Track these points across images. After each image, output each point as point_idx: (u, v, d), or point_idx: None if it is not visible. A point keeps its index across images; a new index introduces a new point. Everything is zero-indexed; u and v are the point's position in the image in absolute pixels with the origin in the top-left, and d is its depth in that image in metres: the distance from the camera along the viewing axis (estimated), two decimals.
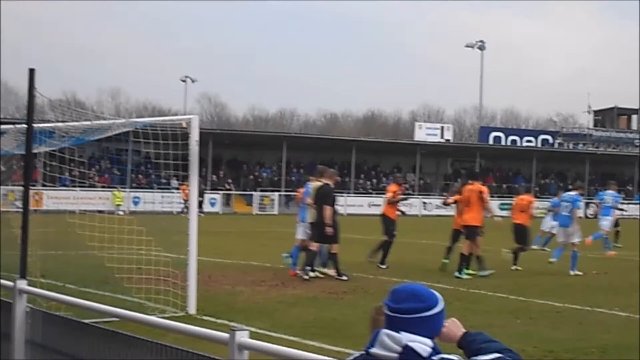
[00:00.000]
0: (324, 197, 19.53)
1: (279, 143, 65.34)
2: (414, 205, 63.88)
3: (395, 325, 3.75)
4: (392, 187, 23.67)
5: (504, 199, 70.12)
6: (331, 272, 19.70)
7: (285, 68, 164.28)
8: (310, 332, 12.07)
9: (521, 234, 22.55)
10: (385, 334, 3.73)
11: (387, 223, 23.11)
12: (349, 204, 62.66)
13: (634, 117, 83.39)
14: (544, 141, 78.40)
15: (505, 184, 74.62)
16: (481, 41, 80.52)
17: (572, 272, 21.60)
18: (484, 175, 72.96)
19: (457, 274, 20.26)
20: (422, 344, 3.65)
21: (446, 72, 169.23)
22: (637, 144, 79.78)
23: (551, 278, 20.56)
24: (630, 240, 31.24)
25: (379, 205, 63.15)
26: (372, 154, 71.38)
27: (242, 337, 5.02)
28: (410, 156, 69.77)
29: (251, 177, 66.25)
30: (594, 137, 78.94)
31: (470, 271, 20.69)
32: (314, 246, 19.58)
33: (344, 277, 19.13)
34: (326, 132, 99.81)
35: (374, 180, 70.14)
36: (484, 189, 21.37)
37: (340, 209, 60.42)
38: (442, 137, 73.63)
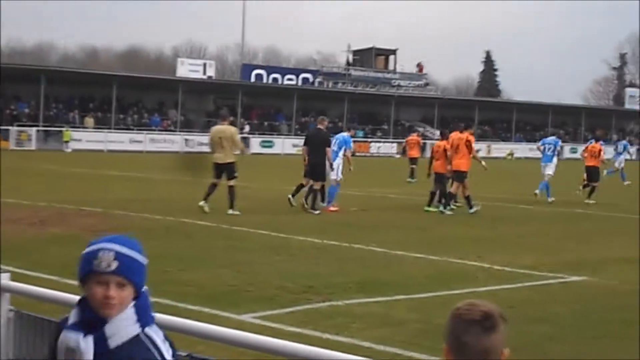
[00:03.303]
0: (324, 141, 22.35)
1: (37, 77, 63.18)
2: (175, 142, 63.59)
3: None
4: (598, 145, 28.47)
5: (265, 137, 70.97)
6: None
7: None
8: (70, 272, 11.76)
9: None
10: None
11: (595, 171, 28.08)
12: (109, 140, 61.63)
13: (392, 58, 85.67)
14: (305, 80, 79.48)
15: (266, 122, 75.38)
16: None
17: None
18: (248, 112, 73.70)
19: (442, 208, 22.56)
20: None
21: (209, 8, 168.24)
22: (394, 84, 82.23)
23: (311, 215, 21.00)
24: (387, 177, 32.23)
25: (140, 141, 62.84)
26: (134, 89, 70.19)
27: (4, 279, 4.85)
28: (172, 92, 69.15)
29: (7, 111, 63.85)
30: (352, 76, 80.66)
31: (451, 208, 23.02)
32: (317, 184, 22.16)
33: (316, 212, 21.41)
34: (86, 67, 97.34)
35: (136, 117, 69.15)
36: (472, 137, 23.55)
37: (101, 146, 59.66)
38: (204, 73, 73.23)
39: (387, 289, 11.46)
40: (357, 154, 71.60)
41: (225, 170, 20.92)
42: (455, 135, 23.70)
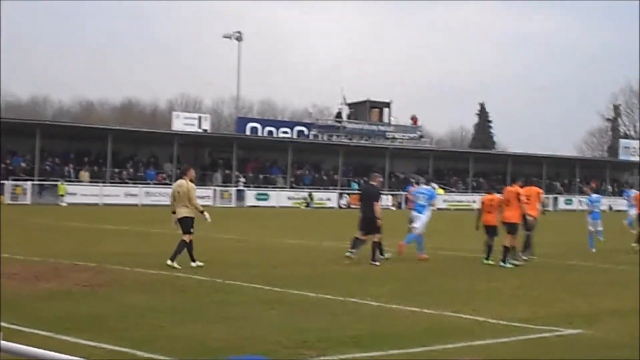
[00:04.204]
0: (374, 196, 23.58)
1: (32, 131, 63.31)
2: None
3: None
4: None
5: (261, 189, 71.03)
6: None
7: (37, 53, 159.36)
8: (64, 327, 11.79)
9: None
10: None
11: None
12: (104, 194, 61.68)
13: (386, 111, 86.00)
14: (300, 132, 79.60)
15: (262, 175, 75.45)
16: (238, 32, 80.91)
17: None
18: (243, 165, 73.79)
19: (502, 263, 22.76)
20: None
21: (204, 62, 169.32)
22: (389, 137, 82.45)
23: (305, 269, 20.93)
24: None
25: (135, 195, 62.82)
26: (129, 143, 70.34)
27: None
28: (167, 146, 69.23)
29: (3, 165, 63.88)
30: (347, 129, 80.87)
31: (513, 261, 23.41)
32: (362, 236, 23.11)
33: (377, 263, 22.30)
34: (81, 120, 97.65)
35: (131, 170, 69.21)
36: (522, 190, 24.19)
37: (96, 199, 59.62)
38: (199, 127, 73.37)
39: (382, 344, 11.40)
40: (352, 206, 71.76)
41: (182, 224, 20.79)
42: (507, 189, 24.63)
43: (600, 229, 29.82)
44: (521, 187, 24.54)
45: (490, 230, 23.86)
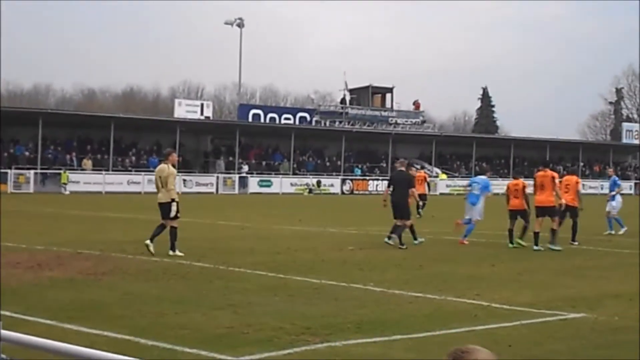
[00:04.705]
0: (408, 182, 24.25)
1: (35, 119, 63.30)
2: None
3: None
4: None
5: (263, 176, 71.03)
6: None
7: (38, 40, 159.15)
8: (67, 315, 11.80)
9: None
10: None
11: None
12: (107, 182, 61.67)
13: (388, 96, 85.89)
14: (302, 119, 79.51)
15: (264, 161, 75.43)
16: (240, 19, 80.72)
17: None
18: (246, 151, 73.77)
19: (551, 246, 23.22)
20: None
21: (206, 49, 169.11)
22: (391, 122, 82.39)
23: (309, 255, 20.91)
24: (385, 215, 32.12)
25: (138, 182, 62.85)
26: (132, 131, 70.30)
27: None
28: (170, 133, 69.14)
29: (5, 154, 63.86)
30: (349, 115, 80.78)
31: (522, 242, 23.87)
32: (407, 222, 23.65)
33: (404, 246, 22.75)
34: (83, 108, 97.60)
35: (133, 158, 69.18)
36: (556, 174, 24.49)
37: (98, 187, 59.63)
38: (202, 114, 73.27)
39: (385, 329, 11.40)
40: (355, 192, 71.82)
41: (162, 210, 20.63)
42: (539, 174, 24.72)
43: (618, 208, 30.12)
44: (560, 175, 25.13)
45: (515, 215, 23.98)
